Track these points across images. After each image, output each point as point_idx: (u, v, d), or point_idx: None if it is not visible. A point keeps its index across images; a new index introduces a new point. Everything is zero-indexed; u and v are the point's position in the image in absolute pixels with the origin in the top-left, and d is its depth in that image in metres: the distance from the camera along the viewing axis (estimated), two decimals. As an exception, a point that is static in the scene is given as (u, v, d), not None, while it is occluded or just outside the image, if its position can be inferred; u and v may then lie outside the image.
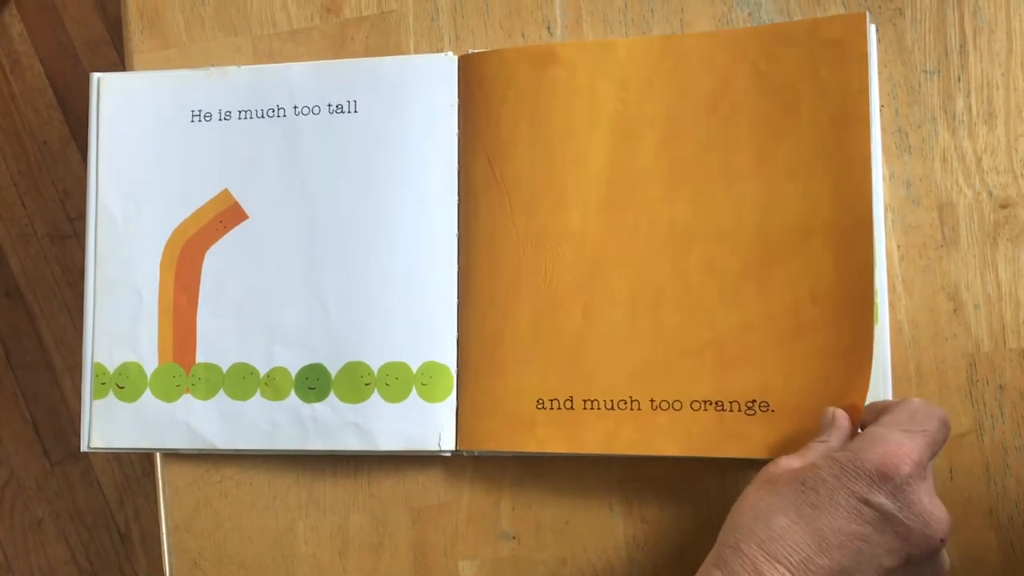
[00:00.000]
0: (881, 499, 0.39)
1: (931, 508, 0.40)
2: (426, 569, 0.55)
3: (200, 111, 0.58)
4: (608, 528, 0.54)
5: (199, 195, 0.58)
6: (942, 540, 0.40)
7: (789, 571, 0.39)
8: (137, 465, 1.40)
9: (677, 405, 0.50)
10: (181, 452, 0.57)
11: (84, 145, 1.47)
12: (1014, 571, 0.50)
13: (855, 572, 0.40)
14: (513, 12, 0.57)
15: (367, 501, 0.56)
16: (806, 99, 0.50)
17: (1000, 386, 0.51)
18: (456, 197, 0.55)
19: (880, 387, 0.49)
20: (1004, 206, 0.51)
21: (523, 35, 0.57)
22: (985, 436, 0.50)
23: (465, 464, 0.55)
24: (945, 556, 0.42)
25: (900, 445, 0.40)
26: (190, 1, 0.61)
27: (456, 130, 0.56)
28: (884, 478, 0.40)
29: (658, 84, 0.53)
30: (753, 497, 0.42)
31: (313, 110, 0.57)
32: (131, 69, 0.62)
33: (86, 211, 0.59)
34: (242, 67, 0.58)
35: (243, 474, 0.57)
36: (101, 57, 1.48)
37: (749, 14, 0.54)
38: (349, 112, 0.57)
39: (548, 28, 0.56)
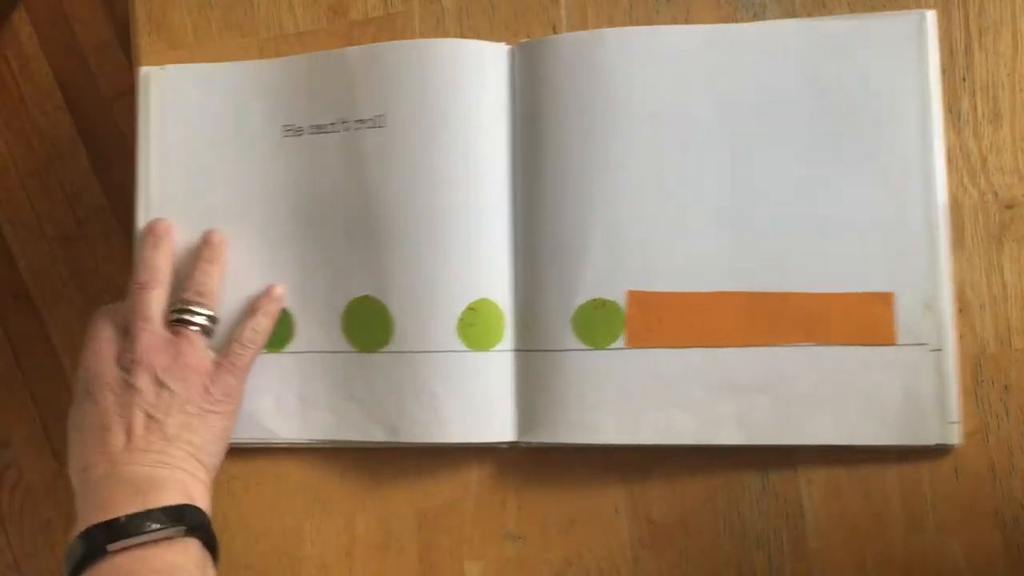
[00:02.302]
0: None
1: None
2: (432, 570, 0.55)
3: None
4: (613, 529, 0.54)
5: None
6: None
7: None
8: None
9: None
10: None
11: (92, 147, 1.48)
12: (1020, 572, 0.50)
13: None
14: (519, 13, 0.57)
15: (373, 502, 0.56)
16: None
17: (1006, 386, 0.51)
18: (510, 182, 0.55)
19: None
20: (1009, 206, 0.51)
21: (528, 36, 0.57)
22: (991, 436, 0.50)
23: (471, 465, 0.55)
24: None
25: None
26: (198, 3, 0.61)
27: (509, 119, 0.55)
28: None
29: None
30: None
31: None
32: (138, 70, 0.62)
33: (135, 204, 0.59)
34: (295, 56, 0.58)
35: (250, 475, 0.58)
36: (109, 59, 1.49)
37: (754, 15, 0.54)
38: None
39: (553, 28, 0.57)
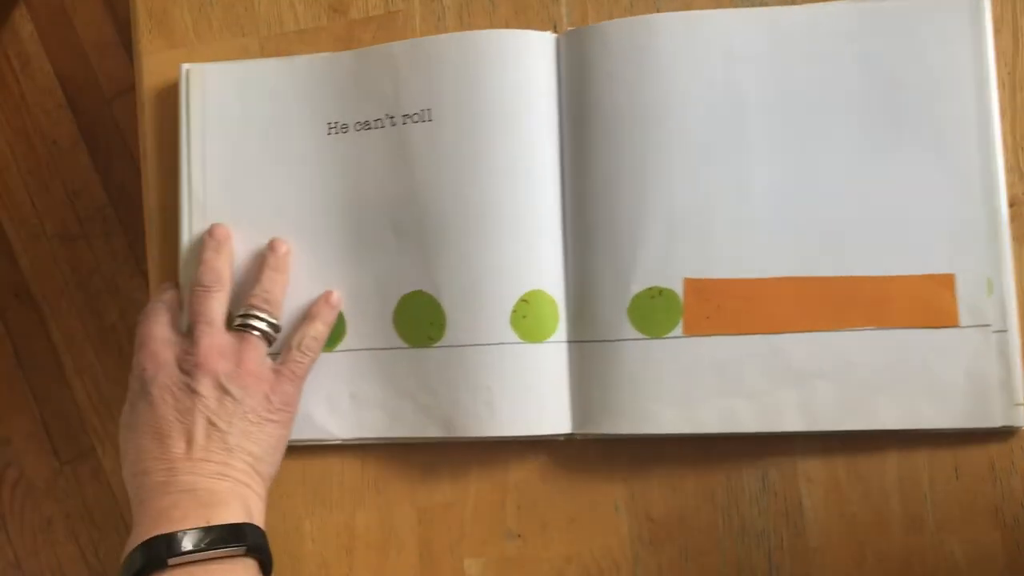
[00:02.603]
0: None
1: None
2: (432, 567, 0.56)
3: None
4: (613, 526, 0.54)
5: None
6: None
7: None
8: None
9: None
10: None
11: (93, 146, 1.48)
12: (1019, 571, 0.50)
13: None
14: (519, 11, 0.57)
15: (374, 499, 0.56)
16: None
17: None
18: (560, 172, 0.54)
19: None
20: (1011, 204, 0.51)
21: (529, 35, 0.57)
22: (991, 435, 0.50)
23: (470, 463, 0.55)
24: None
25: None
26: (198, 2, 0.61)
27: (557, 108, 0.55)
28: None
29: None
30: None
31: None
32: (138, 68, 0.62)
33: (179, 199, 0.58)
34: (338, 53, 0.58)
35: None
36: (110, 58, 1.49)
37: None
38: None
39: (554, 27, 0.57)
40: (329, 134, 0.57)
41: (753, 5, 0.54)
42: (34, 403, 1.46)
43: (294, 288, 0.56)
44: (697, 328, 0.52)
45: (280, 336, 0.55)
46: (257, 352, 0.53)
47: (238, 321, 0.54)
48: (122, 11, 1.48)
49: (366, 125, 0.57)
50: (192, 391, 0.50)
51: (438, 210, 0.55)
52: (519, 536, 0.55)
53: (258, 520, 0.50)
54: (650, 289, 0.52)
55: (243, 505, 0.49)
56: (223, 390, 0.51)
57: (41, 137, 1.49)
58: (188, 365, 0.51)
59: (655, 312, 0.52)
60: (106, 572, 1.42)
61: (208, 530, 0.46)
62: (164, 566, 0.45)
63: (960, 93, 0.51)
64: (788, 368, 0.51)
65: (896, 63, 0.51)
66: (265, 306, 0.54)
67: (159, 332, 0.53)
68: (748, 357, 0.51)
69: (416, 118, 0.55)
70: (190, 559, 0.46)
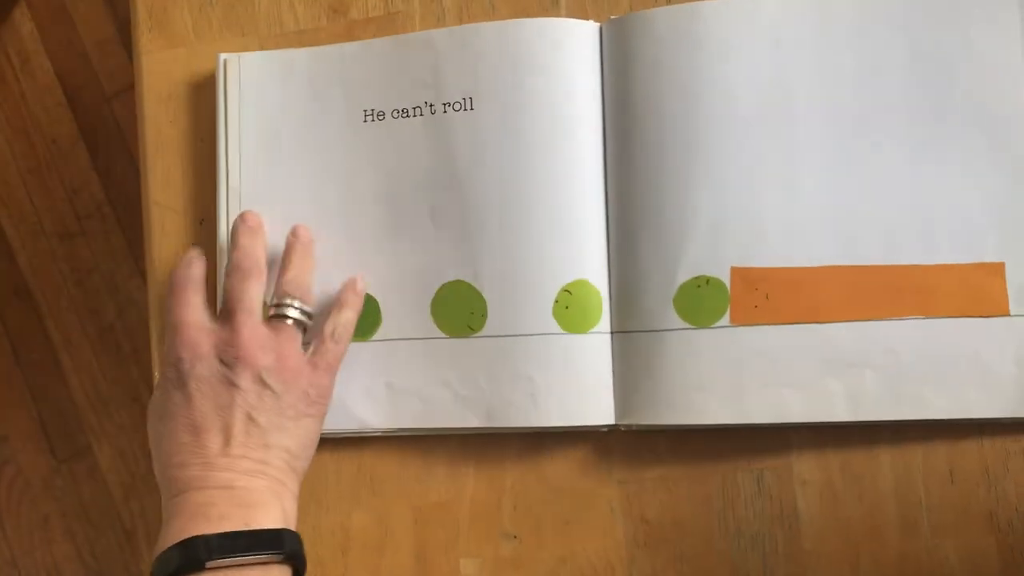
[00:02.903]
0: None
1: None
2: (427, 567, 0.56)
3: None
4: (609, 528, 0.54)
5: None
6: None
7: None
8: (143, 462, 1.41)
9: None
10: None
11: (93, 144, 1.48)
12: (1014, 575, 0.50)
13: None
14: (518, 12, 0.57)
15: (369, 499, 0.56)
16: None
17: None
18: (602, 161, 0.54)
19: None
20: None
21: (528, 37, 0.57)
22: (985, 439, 0.51)
23: (467, 462, 0.55)
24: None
25: None
26: (198, 2, 0.62)
27: (600, 97, 0.55)
28: None
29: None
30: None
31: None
32: (138, 67, 0.62)
33: (216, 197, 0.58)
34: (376, 40, 0.58)
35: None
36: (111, 56, 1.49)
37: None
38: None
39: (553, 30, 0.57)
40: (365, 121, 0.57)
41: None
42: (31, 401, 1.46)
43: (330, 276, 0.56)
44: (745, 318, 0.51)
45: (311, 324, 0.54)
46: (295, 344, 0.52)
47: (273, 311, 0.53)
48: (122, 9, 1.48)
49: (404, 113, 0.57)
50: (232, 384, 0.49)
51: (479, 199, 0.54)
52: (515, 537, 0.55)
53: (292, 522, 0.49)
54: (697, 278, 0.52)
55: (280, 507, 0.48)
56: (263, 384, 0.49)
57: (41, 135, 1.49)
58: (228, 357, 0.50)
59: (702, 301, 0.52)
60: (102, 571, 1.42)
61: (247, 534, 0.46)
62: (201, 568, 0.44)
63: (1011, 82, 0.50)
64: (836, 358, 0.50)
65: (946, 53, 0.51)
66: (298, 293, 0.53)
67: (193, 317, 0.51)
68: (796, 347, 0.51)
69: (457, 106, 0.55)
70: (228, 563, 0.45)
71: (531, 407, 0.53)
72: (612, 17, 0.55)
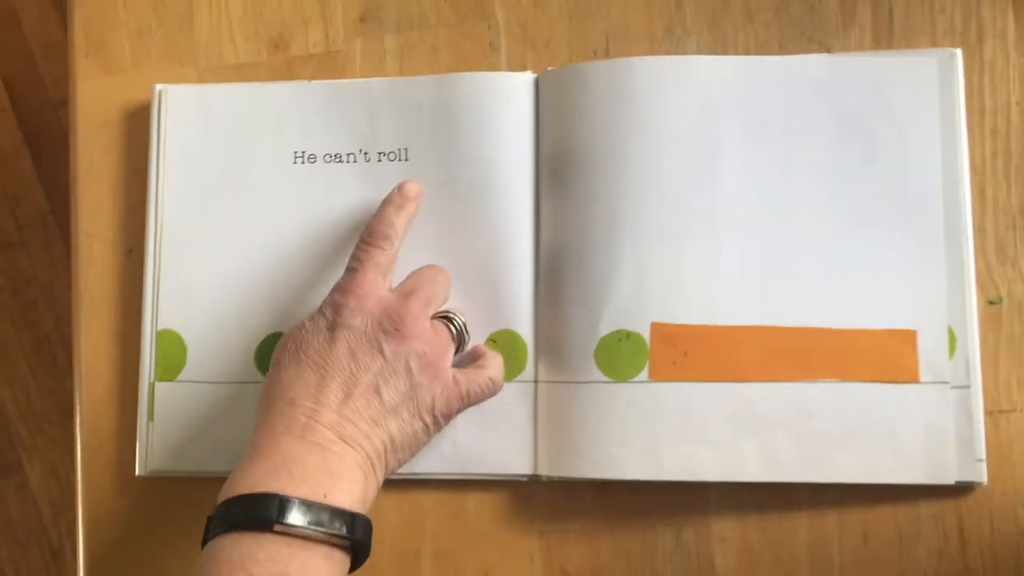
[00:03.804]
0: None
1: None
2: (346, 612, 0.55)
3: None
4: (528, 578, 0.54)
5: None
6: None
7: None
8: (75, 479, 1.38)
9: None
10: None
11: (36, 152, 1.46)
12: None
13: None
14: (459, 58, 0.58)
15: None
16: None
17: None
18: (534, 213, 0.54)
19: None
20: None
21: (467, 83, 0.57)
22: (900, 503, 0.51)
23: (386, 511, 0.55)
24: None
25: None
26: (137, 29, 0.61)
27: (534, 149, 0.55)
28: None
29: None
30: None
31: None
32: (73, 93, 0.61)
33: (145, 224, 0.57)
34: (312, 82, 0.57)
35: (168, 508, 0.57)
36: (58, 61, 1.46)
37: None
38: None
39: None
40: (295, 163, 0.57)
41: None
42: (-39, 412, 1.43)
43: (253, 311, 0.56)
44: (663, 373, 0.52)
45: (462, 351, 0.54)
46: (448, 351, 0.51)
47: (440, 314, 0.52)
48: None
49: (336, 158, 0.56)
50: (379, 351, 0.48)
51: (409, 248, 0.54)
52: (434, 585, 0.55)
53: (367, 509, 0.46)
54: (618, 332, 0.52)
55: (363, 486, 0.46)
56: (408, 369, 0.48)
57: (-18, 141, 1.46)
58: (389, 325, 0.48)
59: (621, 355, 0.52)
60: (27, 589, 1.39)
61: (323, 509, 0.43)
62: (267, 528, 0.42)
63: (928, 154, 0.51)
64: (751, 417, 0.51)
65: (866, 117, 0.52)
66: (464, 317, 0.53)
67: (377, 279, 0.50)
68: (712, 404, 0.51)
69: (392, 156, 0.56)
70: (296, 532, 0.43)
71: (452, 455, 0.53)
72: (549, 69, 0.55)
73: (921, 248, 0.51)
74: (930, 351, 0.50)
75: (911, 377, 0.50)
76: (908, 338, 0.51)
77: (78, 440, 0.59)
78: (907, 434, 0.50)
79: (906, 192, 0.51)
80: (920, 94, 0.52)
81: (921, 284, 0.51)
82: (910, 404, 0.50)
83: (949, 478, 0.50)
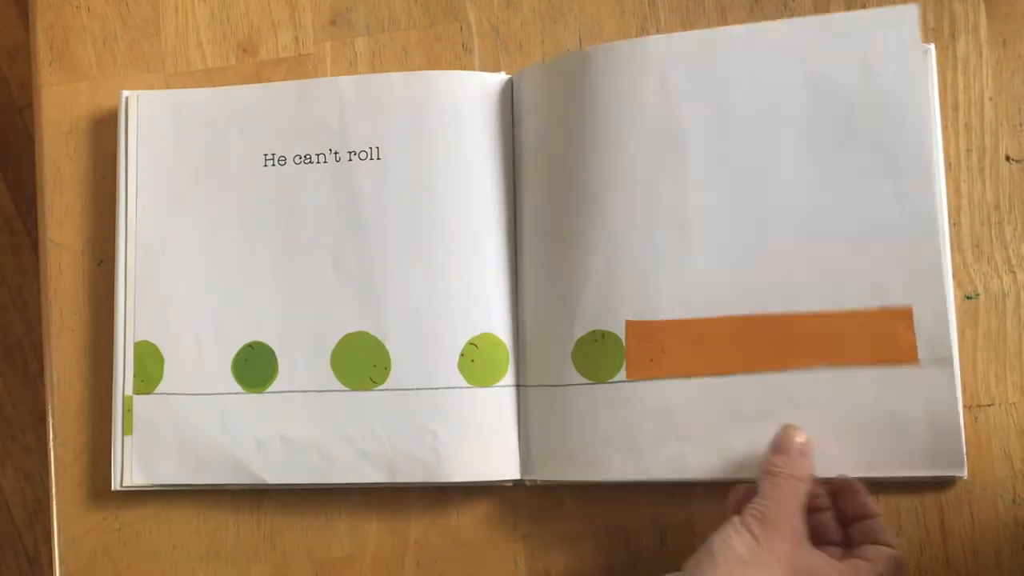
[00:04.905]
0: None
1: None
2: (329, 622, 0.55)
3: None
4: (512, 584, 0.54)
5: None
6: None
7: None
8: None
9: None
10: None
11: (3, 155, 1.43)
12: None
13: None
14: (431, 59, 0.57)
15: (269, 552, 0.55)
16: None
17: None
18: (506, 213, 0.54)
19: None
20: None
21: (440, 85, 0.56)
22: (880, 496, 0.51)
23: (370, 516, 0.55)
24: None
25: None
26: (102, 35, 0.60)
27: (504, 148, 0.54)
28: None
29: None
30: None
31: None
32: (37, 100, 0.60)
33: (116, 233, 0.56)
34: (280, 84, 0.56)
35: (142, 522, 0.56)
36: (23, 65, 1.44)
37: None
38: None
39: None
40: (265, 166, 0.56)
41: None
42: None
43: (229, 320, 0.55)
44: (640, 372, 0.50)
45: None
46: None
47: None
48: (37, 17, 1.43)
49: (307, 159, 0.56)
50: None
51: (384, 249, 0.54)
52: (417, 592, 0.54)
53: None
54: (593, 332, 0.51)
55: None
56: None
57: (-55, 145, 1.44)
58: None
59: (598, 356, 0.51)
60: (3, 598, 1.37)
61: None
62: None
63: (915, 111, 0.48)
64: (737, 411, 0.49)
65: (842, 82, 0.49)
66: None
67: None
68: (694, 401, 0.49)
69: (363, 155, 0.55)
70: None
71: (435, 462, 0.52)
72: (523, 69, 0.55)
73: (912, 216, 0.48)
74: (929, 328, 0.47)
75: (909, 358, 0.47)
76: (903, 315, 0.47)
77: (51, 455, 0.58)
78: (909, 421, 0.47)
79: (894, 156, 0.48)
80: (901, 47, 0.48)
81: (914, 257, 0.48)
82: (910, 387, 0.47)
83: (959, 470, 0.48)
